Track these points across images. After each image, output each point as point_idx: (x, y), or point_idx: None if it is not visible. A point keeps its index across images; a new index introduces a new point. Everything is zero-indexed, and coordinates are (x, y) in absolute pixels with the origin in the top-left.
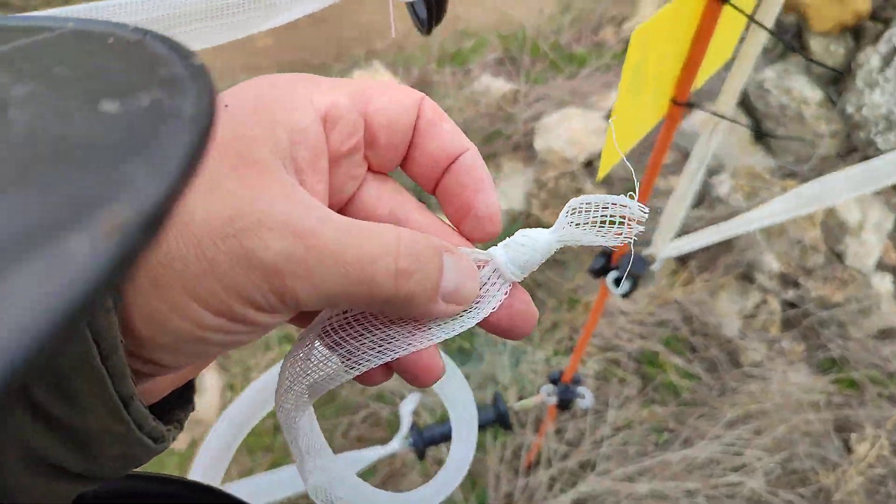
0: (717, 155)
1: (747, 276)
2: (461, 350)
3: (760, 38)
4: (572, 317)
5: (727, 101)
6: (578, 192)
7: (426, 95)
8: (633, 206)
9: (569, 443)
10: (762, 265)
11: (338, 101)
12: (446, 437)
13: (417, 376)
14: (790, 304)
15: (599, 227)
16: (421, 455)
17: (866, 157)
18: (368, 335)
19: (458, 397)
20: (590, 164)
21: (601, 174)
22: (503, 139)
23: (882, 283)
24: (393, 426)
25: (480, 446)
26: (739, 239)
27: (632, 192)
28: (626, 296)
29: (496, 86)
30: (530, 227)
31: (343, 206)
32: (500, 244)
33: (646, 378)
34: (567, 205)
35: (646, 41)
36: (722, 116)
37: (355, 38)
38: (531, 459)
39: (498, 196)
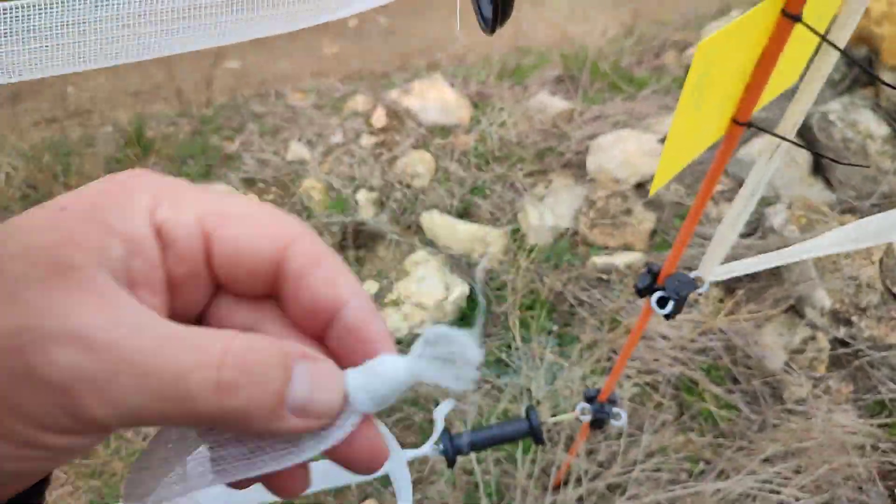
0: (773, 185)
1: (796, 311)
2: (498, 361)
3: (830, 62)
4: (613, 337)
5: (790, 124)
6: (628, 212)
7: (309, 232)
8: (468, 348)
9: (600, 464)
10: (813, 300)
11: (178, 221)
12: (477, 447)
13: (282, 487)
14: (840, 343)
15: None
16: (451, 463)
17: None
18: (239, 444)
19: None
20: (641, 186)
21: (653, 189)
22: (555, 156)
23: None
24: (426, 431)
25: (510, 459)
26: (791, 272)
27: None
28: (669, 317)
29: (553, 103)
30: (577, 245)
31: (192, 320)
32: (358, 368)
33: (683, 405)
34: (423, 335)
35: (711, 55)
36: (784, 138)
37: (420, 49)
38: (560, 478)
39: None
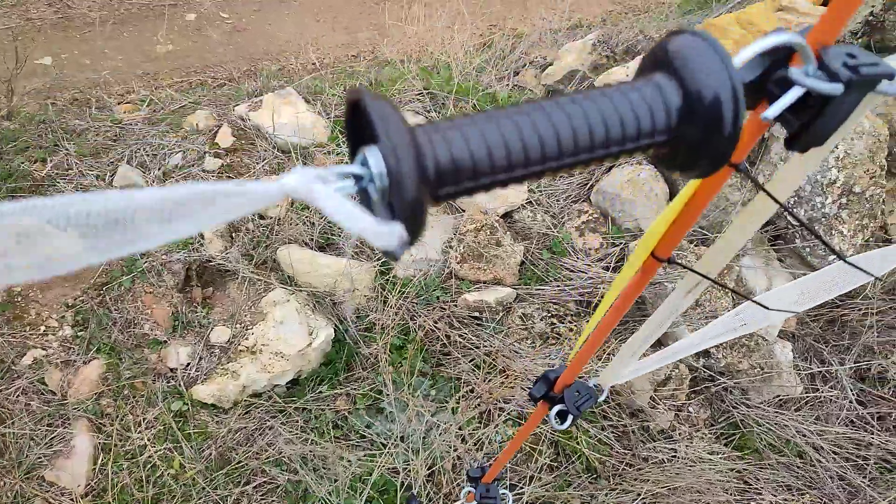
0: (638, 220)
1: (661, 343)
2: (370, 408)
3: (767, 213)
4: (490, 385)
5: (714, 265)
6: (498, 244)
7: None
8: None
9: None
10: (676, 335)
11: None
12: None
13: None
14: (699, 370)
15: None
16: None
17: (776, 229)
18: None
19: None
20: (508, 216)
21: (574, 353)
22: None
23: (783, 352)
24: (292, 497)
25: None
26: (683, 284)
27: None
28: (566, 431)
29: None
30: (448, 279)
31: None
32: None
33: (560, 449)
34: None
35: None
36: (704, 276)
37: (269, 51)
38: None
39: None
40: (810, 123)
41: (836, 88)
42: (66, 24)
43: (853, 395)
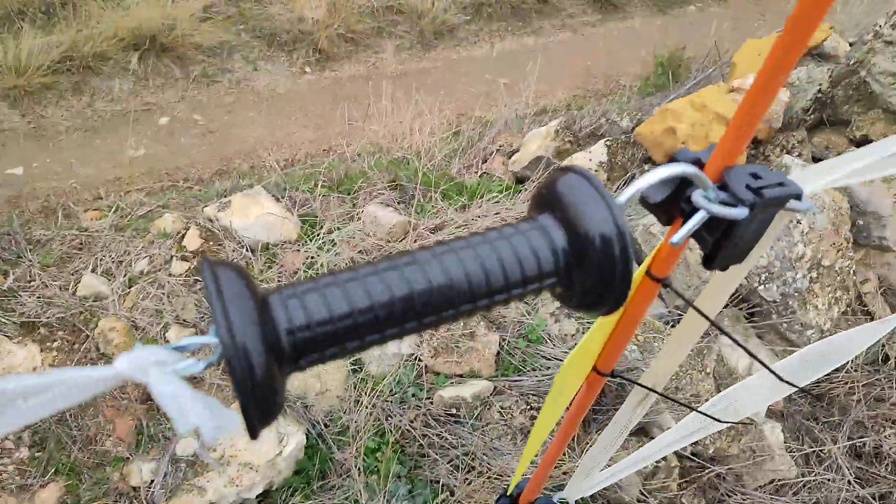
0: None
1: (645, 432)
2: None
3: (699, 330)
4: (471, 487)
5: (659, 377)
6: (472, 336)
7: None
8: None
9: None
10: (660, 422)
11: None
12: None
13: None
14: (689, 458)
15: None
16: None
17: (751, 305)
18: None
19: None
20: None
21: (514, 482)
22: None
23: (773, 433)
24: None
25: None
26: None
27: None
28: None
29: (386, 217)
30: (422, 374)
31: None
32: None
33: None
34: None
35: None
36: (653, 391)
37: (240, 151)
38: None
39: None
40: (722, 244)
41: (740, 213)
42: (38, 134)
43: (850, 474)
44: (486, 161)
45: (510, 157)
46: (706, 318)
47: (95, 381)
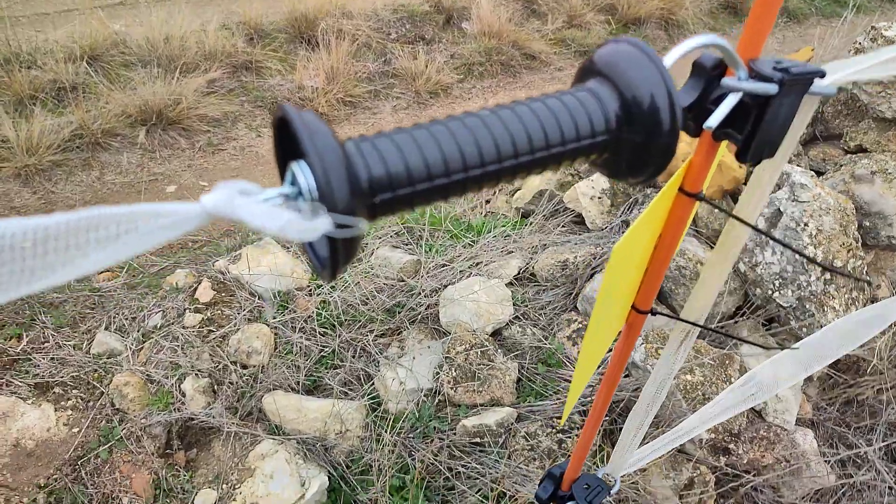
0: None
1: (677, 447)
2: None
3: (740, 241)
4: None
5: (696, 310)
6: (490, 363)
7: None
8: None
9: None
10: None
11: None
12: None
13: None
14: (724, 473)
15: None
16: None
17: (767, 313)
18: None
19: None
20: (497, 334)
21: (565, 415)
22: (406, 312)
23: (806, 440)
24: None
25: None
26: (663, 408)
27: None
28: None
29: (396, 257)
30: (443, 407)
31: None
32: None
33: None
34: None
35: (622, 253)
36: (695, 324)
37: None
38: None
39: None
40: (755, 132)
41: (770, 88)
42: (48, 209)
43: (890, 478)
44: (489, 202)
45: (513, 195)
46: (748, 224)
47: (183, 215)
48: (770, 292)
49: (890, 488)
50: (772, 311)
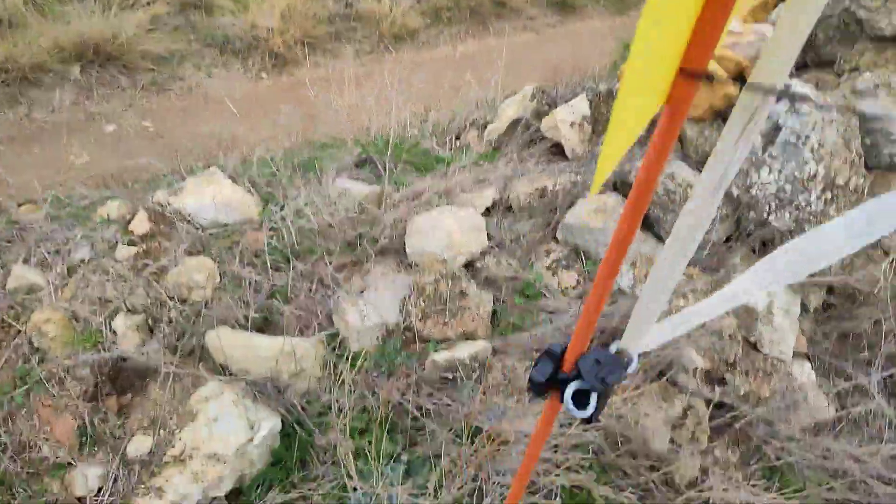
0: (602, 247)
1: (668, 379)
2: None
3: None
4: (477, 455)
5: (775, 71)
6: (463, 295)
7: None
8: None
9: None
10: (684, 362)
11: None
12: None
13: None
14: (717, 406)
15: None
16: None
17: (762, 237)
18: None
19: None
20: (470, 266)
21: (596, 186)
22: (369, 243)
23: (803, 372)
24: None
25: None
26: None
27: None
28: (592, 418)
29: (356, 188)
30: (410, 343)
31: None
32: None
33: None
34: None
35: None
36: (772, 90)
37: (195, 150)
38: None
39: None
40: None
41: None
42: None
43: (890, 410)
44: (459, 137)
45: (485, 129)
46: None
47: None
48: (765, 215)
49: (890, 420)
50: (765, 237)
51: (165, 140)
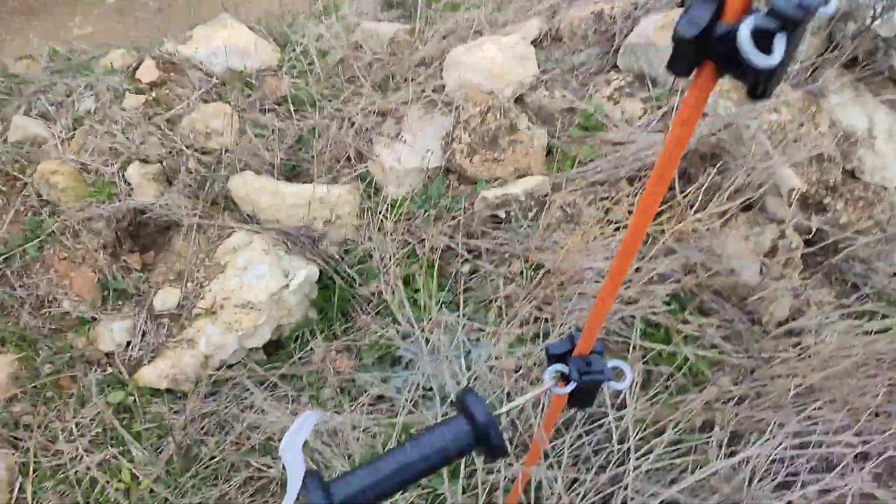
0: None
1: (759, 206)
2: (382, 359)
3: None
4: (539, 291)
5: None
6: (513, 128)
7: None
8: None
9: (580, 462)
10: (779, 184)
11: None
12: (373, 495)
13: None
14: (808, 242)
15: None
16: None
17: (861, 50)
18: None
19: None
20: (519, 101)
21: None
22: (403, 82)
23: None
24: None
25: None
26: (737, 152)
27: None
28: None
29: (383, 28)
30: (455, 186)
31: None
32: None
33: (651, 361)
34: None
35: None
36: None
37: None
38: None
39: None
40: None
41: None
42: None
43: None
44: None
45: None
46: None
47: None
48: (868, 21)
49: None
50: (866, 46)
51: (172, 10)
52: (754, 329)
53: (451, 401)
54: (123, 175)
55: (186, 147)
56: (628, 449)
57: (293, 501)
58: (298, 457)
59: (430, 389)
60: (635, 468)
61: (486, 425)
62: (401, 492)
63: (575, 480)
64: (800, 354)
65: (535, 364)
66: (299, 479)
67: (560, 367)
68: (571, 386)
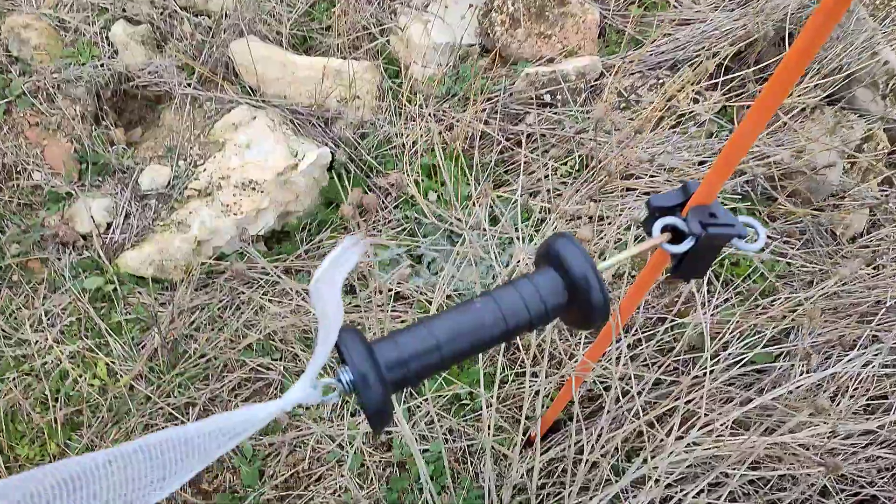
0: None
1: (846, 99)
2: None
3: None
4: (587, 186)
5: None
6: (562, 3)
7: None
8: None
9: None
10: (872, 70)
11: None
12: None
13: None
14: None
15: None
16: (376, 420)
17: None
18: None
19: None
20: None
21: None
22: None
23: None
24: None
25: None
26: (837, 30)
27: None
28: None
29: None
30: (492, 67)
31: None
32: None
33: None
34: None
35: None
36: None
37: None
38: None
39: None
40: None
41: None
42: None
43: None
44: None
45: None
46: None
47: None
48: None
49: None
50: None
51: None
52: (828, 241)
53: (549, 240)
54: (107, 36)
55: (181, 8)
56: (692, 360)
57: (327, 355)
58: (336, 296)
59: (457, 291)
60: (711, 373)
61: (584, 276)
62: (460, 362)
63: (626, 393)
64: (876, 271)
65: None
66: (336, 326)
67: (672, 219)
68: (690, 242)
